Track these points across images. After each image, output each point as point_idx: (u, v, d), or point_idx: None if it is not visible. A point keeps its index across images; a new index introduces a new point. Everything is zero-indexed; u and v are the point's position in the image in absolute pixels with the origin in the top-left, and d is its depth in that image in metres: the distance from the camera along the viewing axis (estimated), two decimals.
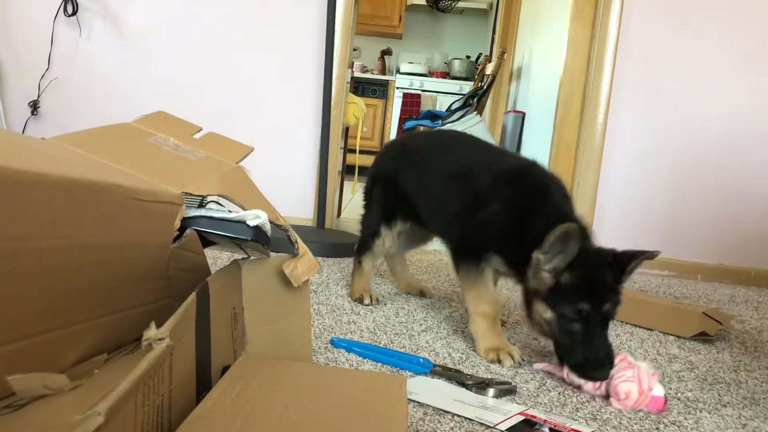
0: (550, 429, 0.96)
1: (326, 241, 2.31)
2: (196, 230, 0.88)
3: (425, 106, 6.48)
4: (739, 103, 2.66)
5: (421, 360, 1.21)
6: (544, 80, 3.78)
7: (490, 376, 1.19)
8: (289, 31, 2.67)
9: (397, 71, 6.97)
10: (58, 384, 0.59)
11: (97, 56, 2.69)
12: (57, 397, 0.59)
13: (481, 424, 0.96)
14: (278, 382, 0.80)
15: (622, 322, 1.73)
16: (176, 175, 0.87)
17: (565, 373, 1.18)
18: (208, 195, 0.90)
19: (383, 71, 7.08)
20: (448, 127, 4.25)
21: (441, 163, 1.53)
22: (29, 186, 0.59)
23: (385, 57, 7.13)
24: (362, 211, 1.73)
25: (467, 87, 6.06)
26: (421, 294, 1.79)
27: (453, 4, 6.59)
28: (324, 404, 0.76)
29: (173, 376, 0.67)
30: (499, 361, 1.27)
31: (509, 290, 1.99)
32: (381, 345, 1.32)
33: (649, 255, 1.18)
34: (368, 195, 1.71)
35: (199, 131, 1.08)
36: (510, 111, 4.67)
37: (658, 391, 1.10)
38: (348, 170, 3.69)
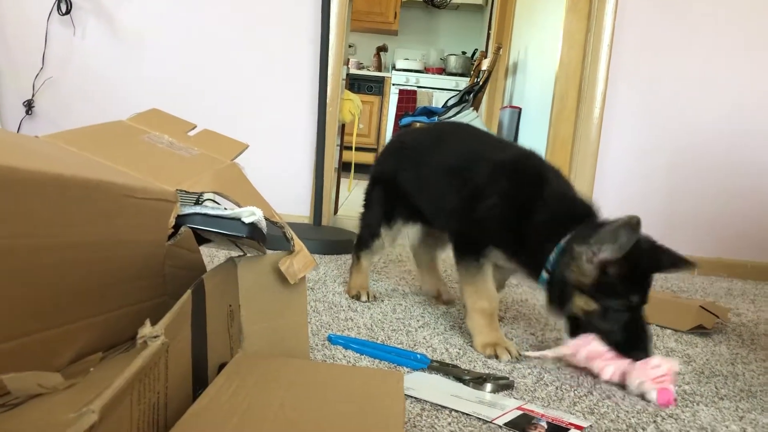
0: (548, 423, 0.96)
1: (323, 238, 2.31)
2: (192, 228, 0.88)
3: (421, 102, 6.48)
4: (737, 97, 2.66)
5: (418, 356, 1.21)
6: (540, 75, 3.78)
7: (487, 372, 1.19)
8: (284, 28, 2.67)
9: (393, 68, 6.96)
10: (52, 383, 0.59)
11: (91, 55, 2.68)
12: (52, 396, 0.58)
13: (479, 419, 0.96)
14: (275, 379, 0.80)
15: None
16: (171, 173, 0.87)
17: (582, 357, 1.17)
18: (203, 192, 0.90)
19: (379, 68, 7.07)
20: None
21: (438, 156, 1.52)
22: (23, 184, 0.59)
23: (381, 53, 7.12)
24: (362, 210, 1.72)
25: (463, 83, 6.06)
26: (438, 296, 1.70)
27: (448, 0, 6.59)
28: (321, 401, 0.76)
29: (169, 374, 0.67)
30: (497, 356, 1.27)
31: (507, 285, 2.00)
32: (378, 341, 1.32)
33: (688, 267, 1.18)
34: (368, 195, 1.70)
35: (193, 129, 1.08)
36: (506, 106, 4.67)
37: (670, 385, 1.11)
38: (344, 167, 3.69)
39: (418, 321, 1.49)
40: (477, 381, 1.11)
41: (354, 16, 6.08)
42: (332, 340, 1.27)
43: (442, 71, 6.98)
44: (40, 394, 0.59)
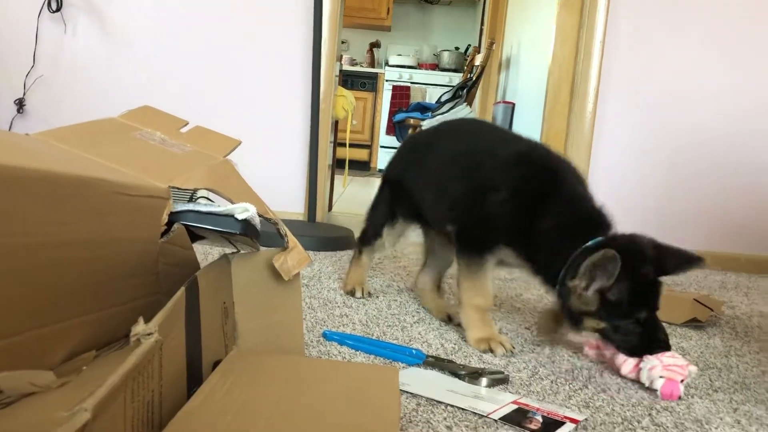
0: (543, 417, 0.96)
1: (317, 234, 2.31)
2: (185, 225, 0.87)
3: (415, 98, 6.48)
4: (731, 91, 2.66)
5: (413, 351, 1.20)
6: (533, 70, 3.78)
7: (482, 366, 1.19)
8: (276, 25, 2.66)
9: (386, 64, 6.96)
10: (45, 381, 0.59)
11: (82, 53, 2.67)
12: (44, 395, 0.58)
13: (474, 413, 0.96)
14: (270, 375, 0.80)
15: None
16: (163, 170, 0.87)
17: (608, 352, 1.21)
18: (196, 189, 0.89)
19: (372, 64, 7.06)
20: (438, 118, 4.24)
21: (444, 148, 1.49)
22: (13, 181, 0.58)
23: (374, 49, 7.11)
24: (370, 206, 1.67)
25: (456, 78, 6.06)
26: (449, 319, 1.50)
27: None
28: (316, 397, 0.76)
29: (163, 372, 0.67)
30: (491, 351, 1.27)
31: (500, 279, 2.00)
32: (373, 337, 1.31)
33: (695, 266, 1.18)
34: (377, 194, 1.66)
35: (185, 125, 1.07)
36: (500, 102, 4.67)
37: (677, 378, 1.12)
38: (339, 164, 3.68)
39: (413, 317, 1.49)
40: (472, 376, 1.11)
41: (346, 12, 6.07)
42: (327, 336, 1.27)
43: (435, 67, 6.97)
44: (33, 393, 0.58)
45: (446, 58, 6.92)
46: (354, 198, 4.21)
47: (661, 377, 1.11)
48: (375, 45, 7.12)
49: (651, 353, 1.14)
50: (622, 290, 1.12)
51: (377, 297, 1.64)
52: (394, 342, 1.29)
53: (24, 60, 2.64)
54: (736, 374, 1.30)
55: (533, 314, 1.63)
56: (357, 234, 1.74)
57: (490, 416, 0.95)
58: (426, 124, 4.36)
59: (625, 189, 2.72)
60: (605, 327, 1.16)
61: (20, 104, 2.66)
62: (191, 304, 0.78)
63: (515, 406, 1.00)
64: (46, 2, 2.61)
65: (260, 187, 1.09)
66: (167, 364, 0.68)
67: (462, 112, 4.17)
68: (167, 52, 2.67)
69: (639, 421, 1.00)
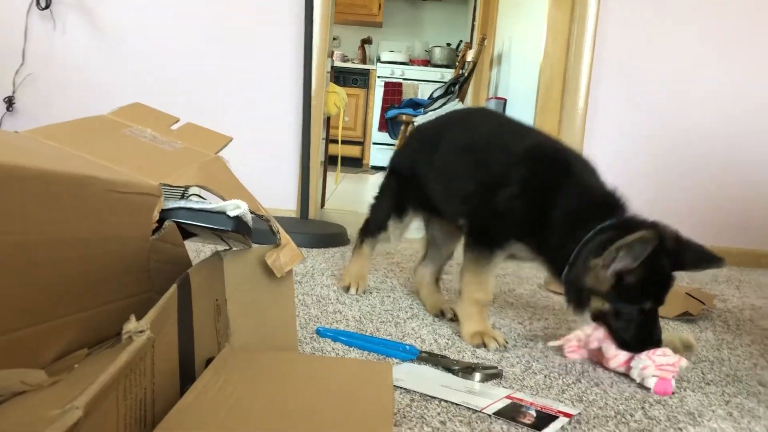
0: (537, 411, 0.97)
1: (310, 231, 2.31)
2: (177, 222, 0.87)
3: (407, 94, 6.47)
4: (723, 87, 2.67)
5: (407, 347, 1.21)
6: (525, 66, 3.78)
7: (476, 361, 1.19)
8: (267, 21, 2.65)
9: (378, 60, 6.95)
10: (36, 380, 0.58)
11: (72, 50, 2.65)
12: (36, 393, 0.58)
13: (468, 408, 0.97)
14: (263, 372, 0.80)
15: None
16: (154, 167, 0.86)
17: (596, 339, 1.19)
18: (188, 186, 0.89)
19: (364, 60, 7.05)
20: (430, 114, 4.24)
21: (455, 140, 1.46)
22: (5, 179, 0.58)
23: (366, 46, 7.10)
24: (374, 198, 1.65)
25: (448, 74, 6.05)
26: (442, 314, 1.49)
27: None
28: (310, 394, 0.75)
29: (156, 369, 0.67)
30: (485, 345, 1.27)
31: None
32: (367, 333, 1.31)
33: (714, 265, 1.16)
34: (383, 185, 1.64)
35: (176, 122, 1.06)
36: (491, 98, 4.67)
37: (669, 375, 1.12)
38: (331, 161, 3.67)
39: (406, 312, 1.49)
40: (466, 371, 1.11)
41: (338, 9, 6.06)
42: (321, 333, 1.27)
43: (427, 63, 6.97)
44: (24, 392, 0.58)
45: (438, 54, 6.92)
46: (347, 195, 4.21)
47: (654, 376, 1.11)
48: (367, 41, 7.10)
49: (642, 350, 1.13)
50: (639, 275, 1.11)
51: (371, 293, 1.64)
52: (388, 338, 1.29)
53: (13, 58, 2.62)
54: (728, 367, 1.30)
55: (526, 309, 1.64)
56: (353, 229, 1.70)
57: (483, 411, 0.96)
58: (418, 121, 4.37)
59: (617, 182, 2.71)
60: (608, 310, 1.15)
61: (9, 102, 2.64)
62: (183, 301, 0.78)
63: (509, 401, 1.00)
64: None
65: (252, 184, 1.08)
66: (159, 361, 0.68)
67: (454, 108, 4.17)
68: (158, 49, 2.65)
69: (632, 415, 1.01)
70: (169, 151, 0.95)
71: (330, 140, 3.44)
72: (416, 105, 4.65)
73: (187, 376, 0.77)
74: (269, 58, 2.66)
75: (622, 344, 1.16)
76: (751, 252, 2.73)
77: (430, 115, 4.24)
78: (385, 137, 6.28)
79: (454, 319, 1.44)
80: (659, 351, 1.13)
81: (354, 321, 1.39)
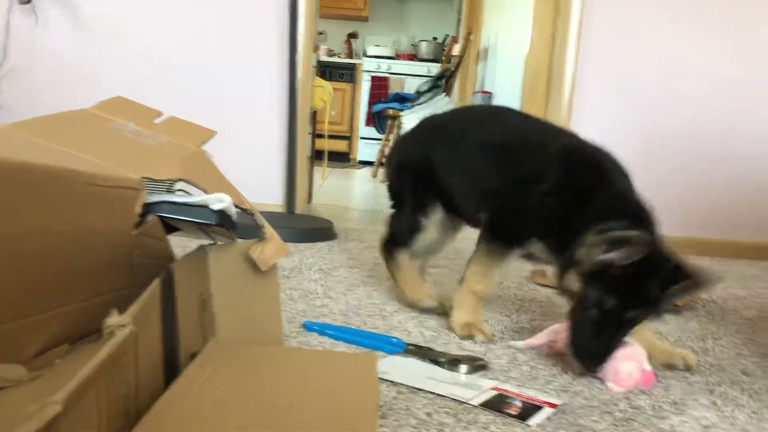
0: (522, 402, 0.97)
1: (297, 226, 2.30)
2: (160, 216, 0.86)
3: (393, 88, 6.47)
4: (708, 79, 2.69)
5: (394, 340, 1.21)
6: (511, 60, 3.79)
7: (462, 353, 1.19)
8: (252, 15, 2.63)
9: (364, 54, 6.93)
10: (16, 375, 0.58)
11: (55, 45, 2.62)
12: (15, 389, 0.57)
13: (454, 400, 0.97)
14: (248, 366, 0.80)
15: None
16: (136, 161, 0.86)
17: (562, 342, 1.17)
18: (171, 180, 0.88)
19: (350, 55, 7.03)
20: (417, 108, 4.24)
21: (478, 135, 1.41)
22: None
23: (352, 40, 7.08)
24: (391, 208, 1.55)
25: (435, 69, 6.05)
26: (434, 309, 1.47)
27: None
28: (295, 386, 0.75)
29: (139, 364, 0.66)
30: (472, 337, 1.27)
31: None
32: (354, 327, 1.31)
33: (698, 287, 1.14)
34: (396, 187, 1.54)
35: (159, 116, 1.06)
36: (478, 92, 4.68)
37: (647, 366, 1.11)
38: (318, 155, 3.66)
39: (393, 306, 1.49)
40: (452, 363, 1.11)
41: (323, 3, 6.03)
42: (308, 327, 1.26)
43: (413, 57, 6.96)
44: (3, 388, 0.57)
45: (424, 49, 6.92)
46: (334, 190, 4.20)
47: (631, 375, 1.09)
48: (353, 36, 7.08)
49: (590, 369, 1.10)
50: (618, 274, 1.07)
51: (357, 287, 1.64)
52: (375, 331, 1.29)
53: None
54: (713, 357, 1.32)
55: (513, 302, 1.64)
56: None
57: (469, 402, 0.96)
58: (405, 114, 4.36)
59: None
60: (580, 291, 1.11)
61: None
62: (167, 295, 0.77)
63: (495, 392, 1.00)
64: None
65: (239, 179, 1.07)
66: (143, 355, 0.67)
67: (441, 102, 4.18)
68: (141, 43, 2.63)
69: (616, 404, 1.01)
70: (151, 144, 0.94)
71: (317, 135, 3.43)
72: (403, 99, 4.65)
73: (171, 370, 0.76)
74: (254, 51, 2.65)
75: (573, 344, 1.12)
76: (734, 243, 2.76)
77: (417, 110, 4.24)
78: (372, 132, 6.28)
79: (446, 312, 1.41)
80: (622, 368, 1.08)
81: (341, 315, 1.39)
